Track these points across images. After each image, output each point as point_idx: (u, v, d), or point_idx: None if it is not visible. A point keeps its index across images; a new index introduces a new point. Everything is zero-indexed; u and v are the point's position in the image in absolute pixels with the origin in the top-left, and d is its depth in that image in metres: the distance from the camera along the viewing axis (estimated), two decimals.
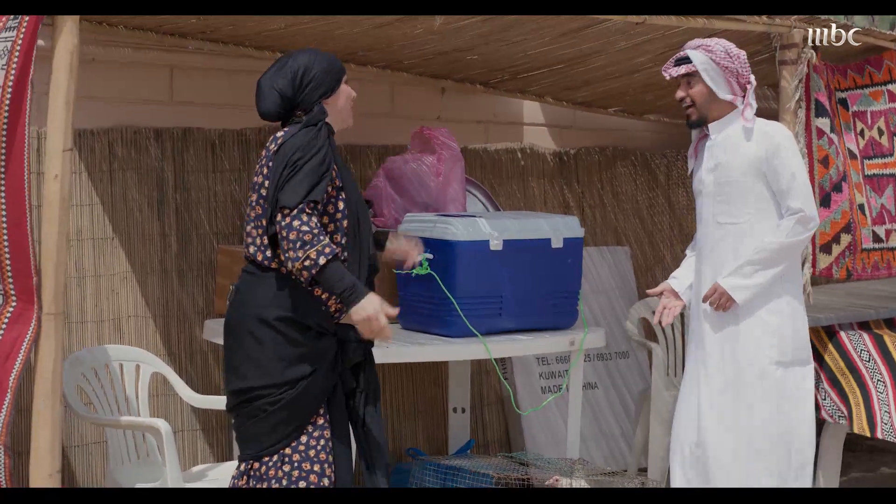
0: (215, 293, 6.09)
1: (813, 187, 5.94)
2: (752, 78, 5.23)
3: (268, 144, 4.46)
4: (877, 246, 6.47)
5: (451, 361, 6.68)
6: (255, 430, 4.40)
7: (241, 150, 6.42)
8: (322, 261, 4.23)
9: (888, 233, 6.49)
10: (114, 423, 5.22)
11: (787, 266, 5.21)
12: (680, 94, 5.26)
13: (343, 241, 4.43)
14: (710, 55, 5.17)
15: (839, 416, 6.09)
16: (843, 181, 6.18)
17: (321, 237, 4.24)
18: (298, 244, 4.23)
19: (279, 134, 4.45)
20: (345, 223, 4.42)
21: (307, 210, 4.27)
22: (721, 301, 5.17)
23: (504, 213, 6.78)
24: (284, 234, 4.26)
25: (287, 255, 4.26)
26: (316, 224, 4.27)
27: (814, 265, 6.05)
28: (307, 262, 4.23)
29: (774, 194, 5.20)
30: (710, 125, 5.26)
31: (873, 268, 6.48)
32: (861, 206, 6.29)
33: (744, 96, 5.22)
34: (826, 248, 6.10)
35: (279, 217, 4.27)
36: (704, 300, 5.23)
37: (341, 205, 4.42)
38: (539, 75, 6.92)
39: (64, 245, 4.52)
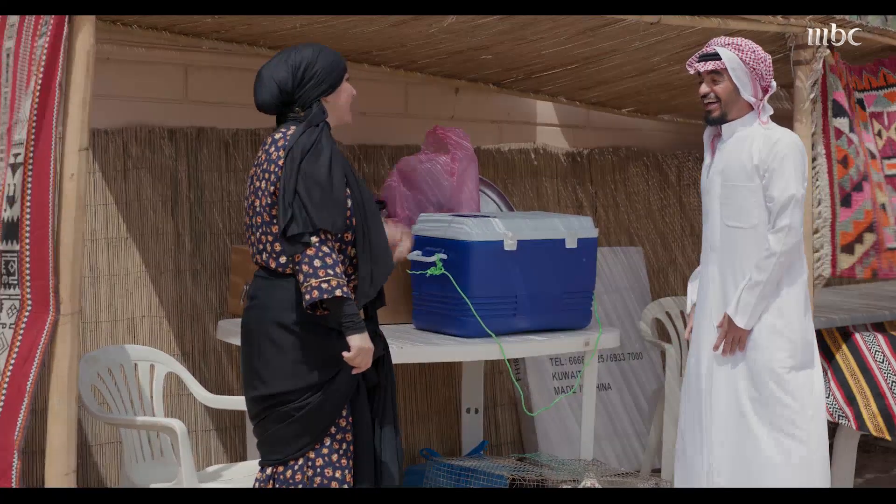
0: (229, 292, 6.10)
1: (832, 189, 5.92)
2: (773, 83, 5.21)
3: (266, 147, 4.40)
4: None
5: (464, 362, 6.67)
6: (280, 435, 4.38)
7: (255, 149, 6.42)
8: (338, 293, 4.21)
9: None
10: (130, 423, 5.22)
11: (790, 269, 5.17)
12: (704, 89, 5.22)
13: (351, 238, 4.41)
14: (740, 54, 5.15)
15: (840, 416, 6.07)
16: (864, 181, 6.13)
17: (338, 268, 4.24)
18: (320, 266, 4.23)
19: (277, 136, 4.40)
20: (353, 220, 4.41)
21: (331, 237, 4.28)
22: (735, 342, 5.16)
23: (518, 213, 6.77)
24: (311, 253, 4.24)
25: (302, 268, 4.24)
26: (335, 259, 4.26)
27: (833, 266, 6.00)
28: (324, 285, 4.21)
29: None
30: (723, 126, 5.23)
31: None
32: (883, 206, 6.24)
33: (762, 99, 5.21)
34: (848, 249, 6.04)
35: (306, 237, 4.25)
36: (716, 348, 5.20)
37: (349, 202, 4.40)
38: (553, 75, 6.91)
39: (80, 244, 4.52)
